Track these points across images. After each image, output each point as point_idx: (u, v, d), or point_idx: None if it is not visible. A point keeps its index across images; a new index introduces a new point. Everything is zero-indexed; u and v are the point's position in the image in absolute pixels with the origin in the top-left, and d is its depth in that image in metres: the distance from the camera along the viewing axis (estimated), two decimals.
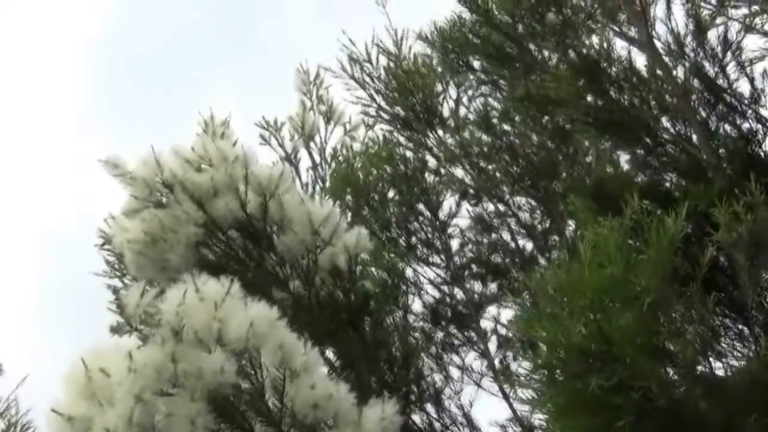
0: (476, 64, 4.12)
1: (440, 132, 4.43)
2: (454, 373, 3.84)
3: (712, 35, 3.19)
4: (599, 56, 3.23)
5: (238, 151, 2.51)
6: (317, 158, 3.99)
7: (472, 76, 4.25)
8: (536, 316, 2.17)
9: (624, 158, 3.58)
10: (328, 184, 3.86)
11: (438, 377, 3.71)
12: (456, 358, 3.88)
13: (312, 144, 3.91)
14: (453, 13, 3.92)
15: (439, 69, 4.43)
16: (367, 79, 4.44)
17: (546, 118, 4.20)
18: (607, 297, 2.14)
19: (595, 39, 3.43)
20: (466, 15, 3.91)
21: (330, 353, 2.93)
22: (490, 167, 4.30)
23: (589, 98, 3.43)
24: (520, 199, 4.35)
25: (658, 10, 3.28)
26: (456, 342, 3.89)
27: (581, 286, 2.15)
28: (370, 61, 4.45)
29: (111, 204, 2.66)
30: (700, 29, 3.19)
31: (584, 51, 3.31)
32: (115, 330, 2.92)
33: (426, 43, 4.30)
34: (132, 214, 2.49)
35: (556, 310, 2.14)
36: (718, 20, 3.18)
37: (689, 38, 3.23)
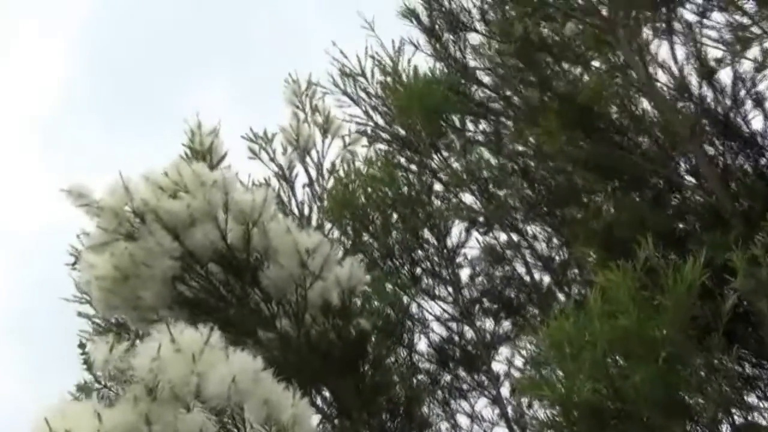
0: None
1: (445, 153, 4.40)
2: (463, 421, 3.77)
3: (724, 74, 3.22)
4: (594, 99, 3.21)
5: (217, 175, 2.46)
6: (314, 174, 3.95)
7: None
8: (541, 374, 2.11)
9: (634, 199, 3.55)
10: (325, 203, 3.81)
11: (445, 426, 3.64)
12: (465, 405, 3.81)
13: (308, 159, 3.87)
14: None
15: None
16: (362, 94, 4.43)
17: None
18: (620, 350, 2.10)
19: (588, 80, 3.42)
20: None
21: (322, 399, 2.87)
22: (501, 192, 4.26)
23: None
24: (536, 228, 4.31)
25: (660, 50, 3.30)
26: (465, 386, 3.82)
27: (591, 337, 2.12)
28: (364, 75, 4.43)
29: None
30: (706, 69, 3.20)
31: (576, 99, 3.28)
32: (83, 389, 2.86)
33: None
34: (100, 247, 2.43)
35: (565, 365, 2.08)
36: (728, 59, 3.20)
37: (694, 78, 3.25)
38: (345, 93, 4.33)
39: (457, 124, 4.07)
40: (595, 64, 3.46)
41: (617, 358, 2.12)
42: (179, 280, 2.54)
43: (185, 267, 2.52)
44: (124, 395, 1.88)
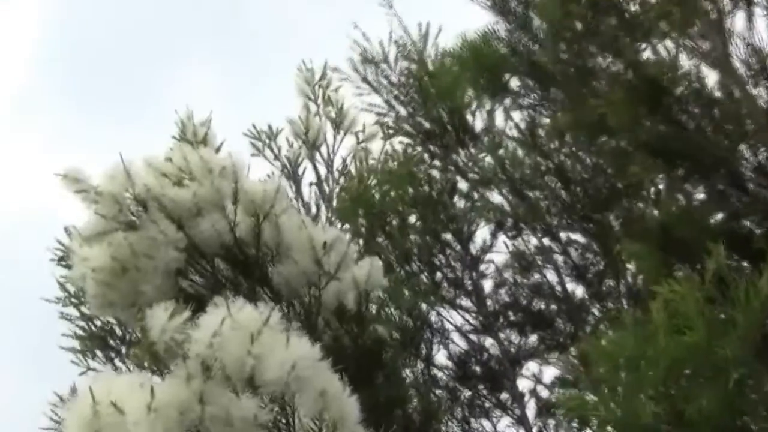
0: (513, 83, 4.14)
1: (473, 149, 4.43)
2: None
3: None
4: (662, 74, 3.21)
5: (226, 162, 2.51)
6: (323, 172, 3.99)
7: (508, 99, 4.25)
8: (593, 391, 2.13)
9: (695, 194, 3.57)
10: (335, 203, 3.85)
11: None
12: (486, 424, 3.84)
13: (317, 155, 3.91)
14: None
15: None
16: (384, 82, 4.46)
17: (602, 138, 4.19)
18: (684, 369, 2.10)
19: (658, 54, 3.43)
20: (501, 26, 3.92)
21: None
22: (533, 193, 4.29)
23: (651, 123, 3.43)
24: (571, 233, 4.34)
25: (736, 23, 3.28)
26: (487, 404, 3.85)
27: (654, 355, 2.12)
28: (387, 62, 4.46)
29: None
30: None
31: (645, 69, 3.29)
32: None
33: (454, 59, 4.31)
34: (97, 237, 2.48)
35: (621, 383, 2.10)
36: None
37: None
38: (365, 80, 4.36)
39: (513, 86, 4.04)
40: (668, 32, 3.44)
41: (680, 378, 2.12)
42: (182, 275, 2.58)
43: (189, 260, 2.57)
44: (176, 370, 1.91)
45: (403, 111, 4.47)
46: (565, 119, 3.92)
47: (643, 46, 3.52)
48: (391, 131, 4.43)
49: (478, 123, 4.47)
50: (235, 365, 1.91)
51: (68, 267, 3.12)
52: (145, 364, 2.09)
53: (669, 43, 3.42)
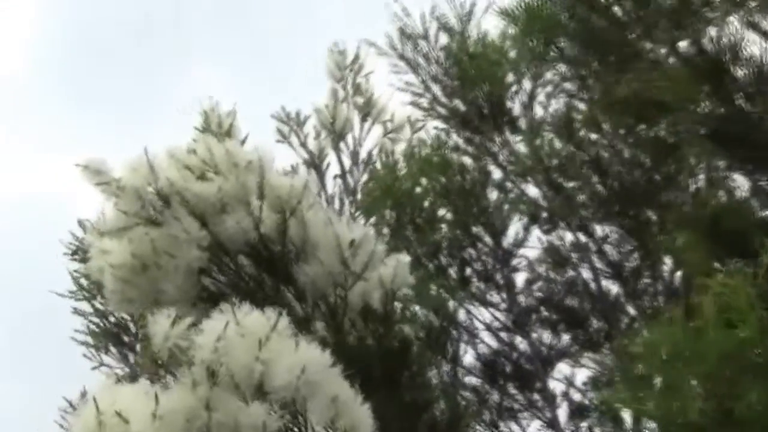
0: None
1: (509, 136, 4.38)
2: None
3: None
4: (722, 53, 3.14)
5: (252, 156, 2.48)
6: (347, 163, 3.95)
7: (553, 71, 4.18)
8: (641, 387, 2.11)
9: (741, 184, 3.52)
10: (359, 196, 3.82)
11: None
12: (515, 428, 3.82)
13: (342, 145, 3.87)
14: None
15: (513, 54, 4.37)
16: (422, 61, 4.41)
17: (642, 127, 4.14)
18: (734, 365, 2.08)
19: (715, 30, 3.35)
20: None
21: None
22: (570, 185, 4.24)
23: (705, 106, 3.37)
24: (606, 229, 4.29)
25: None
26: (516, 406, 3.82)
27: (703, 350, 2.11)
28: (426, 38, 4.41)
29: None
30: None
31: (706, 46, 3.22)
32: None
33: (507, 18, 4.24)
34: (118, 233, 2.47)
35: (671, 379, 2.08)
36: None
37: None
38: (402, 57, 4.31)
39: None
40: None
41: (730, 374, 2.10)
42: (205, 273, 2.57)
43: (212, 258, 2.55)
44: (181, 378, 1.91)
45: (439, 92, 4.43)
46: (619, 92, 3.85)
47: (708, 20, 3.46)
48: (424, 114, 4.38)
49: (516, 108, 4.42)
50: (243, 371, 1.91)
51: (83, 261, 3.12)
52: (150, 371, 2.09)
53: (734, 19, 3.36)
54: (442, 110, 4.42)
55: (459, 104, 4.43)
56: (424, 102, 4.41)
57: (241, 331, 1.93)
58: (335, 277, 2.60)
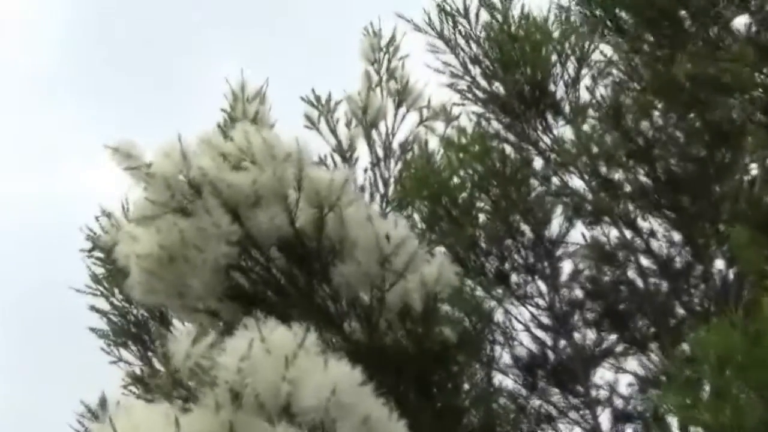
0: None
1: (552, 122, 4.35)
2: None
3: None
4: None
5: (292, 147, 2.46)
6: (380, 153, 3.91)
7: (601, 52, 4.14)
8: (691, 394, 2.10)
9: None
10: (392, 188, 3.78)
11: None
12: None
13: (374, 134, 3.83)
14: None
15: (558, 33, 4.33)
16: (461, 41, 4.37)
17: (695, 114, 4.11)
18: None
19: None
20: None
21: None
22: (616, 176, 4.21)
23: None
24: (653, 223, 4.25)
25: None
26: (555, 412, 3.81)
27: (759, 356, 2.09)
28: (467, 16, 4.36)
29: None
30: None
31: None
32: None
33: None
34: (146, 221, 2.46)
35: (723, 386, 2.06)
36: None
37: None
38: (441, 36, 4.27)
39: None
40: None
41: None
42: (234, 268, 2.56)
43: (243, 252, 2.54)
44: (203, 399, 1.88)
45: (478, 74, 4.39)
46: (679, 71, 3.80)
47: None
48: (462, 98, 4.35)
49: (561, 92, 4.38)
50: (269, 392, 1.87)
51: (100, 259, 3.12)
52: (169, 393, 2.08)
53: None
54: (481, 94, 4.38)
55: (499, 87, 4.39)
56: (463, 85, 4.38)
57: (267, 347, 1.88)
58: (372, 277, 2.58)
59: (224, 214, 2.44)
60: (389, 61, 3.80)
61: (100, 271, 3.30)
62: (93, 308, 3.25)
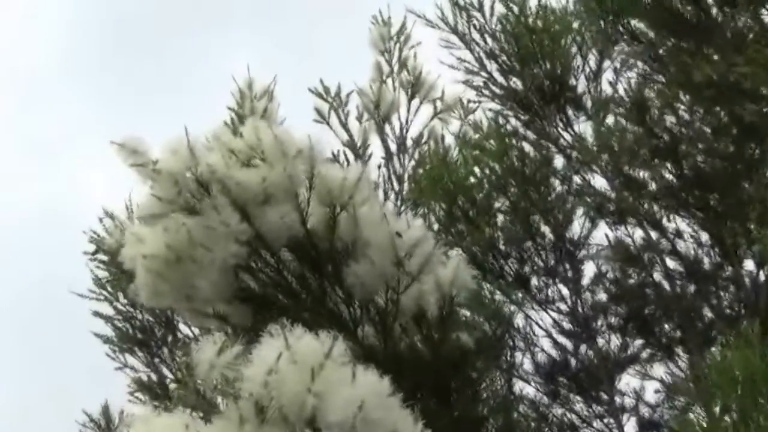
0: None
1: (573, 119, 4.35)
2: None
3: None
4: None
5: (303, 144, 2.47)
6: (393, 148, 3.92)
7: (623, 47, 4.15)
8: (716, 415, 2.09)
9: None
10: (406, 185, 3.79)
11: None
12: None
13: (387, 128, 3.83)
14: None
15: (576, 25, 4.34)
16: (476, 35, 4.37)
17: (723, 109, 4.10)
18: None
19: None
20: None
21: None
22: (640, 174, 4.20)
23: None
24: (680, 223, 4.25)
25: None
26: (578, 421, 3.81)
27: None
28: (481, 9, 4.37)
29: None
30: None
31: None
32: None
33: None
34: (152, 219, 2.48)
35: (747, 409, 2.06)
36: None
37: None
38: (454, 31, 4.27)
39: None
40: None
41: None
42: (243, 270, 2.57)
43: (252, 253, 2.55)
44: (226, 411, 1.89)
45: (495, 70, 4.39)
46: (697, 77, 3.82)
47: None
48: (478, 95, 4.35)
49: (582, 87, 4.38)
50: (294, 404, 1.88)
51: (103, 262, 3.14)
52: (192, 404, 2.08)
53: None
54: (498, 90, 4.39)
55: (517, 83, 4.39)
56: (478, 81, 4.39)
57: (293, 357, 1.89)
58: (387, 279, 2.60)
59: (233, 213, 2.46)
60: (400, 50, 3.80)
61: (102, 273, 3.31)
62: (96, 313, 3.26)
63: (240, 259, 2.51)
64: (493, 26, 4.38)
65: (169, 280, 2.56)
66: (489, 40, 4.37)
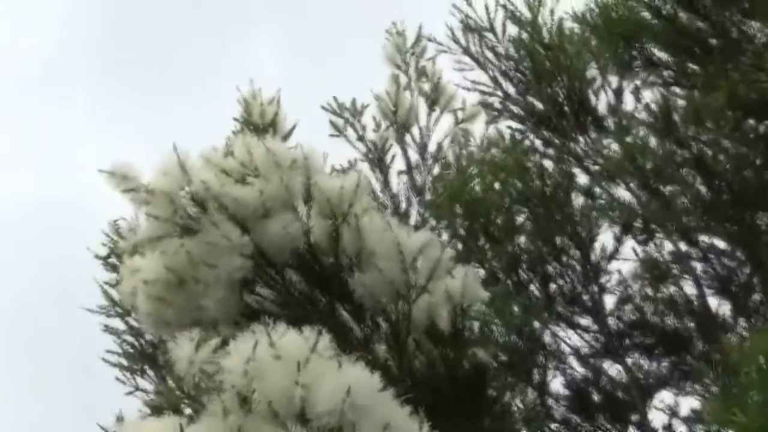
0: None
1: (594, 135, 4.32)
2: None
3: None
4: None
5: (297, 154, 2.46)
6: (414, 158, 3.89)
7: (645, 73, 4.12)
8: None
9: None
10: (428, 196, 3.75)
11: None
12: None
13: (408, 138, 3.80)
14: None
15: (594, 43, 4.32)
16: (490, 55, 4.36)
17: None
18: None
19: None
20: None
21: None
22: (668, 189, 4.14)
23: None
24: (711, 238, 4.18)
25: None
26: None
27: None
28: (493, 30, 4.36)
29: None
30: None
31: None
32: None
33: (581, 24, 4.20)
34: (150, 244, 2.46)
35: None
36: None
37: None
38: (467, 52, 4.27)
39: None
40: None
41: None
42: (248, 289, 2.55)
43: (257, 270, 2.53)
44: (210, 407, 1.90)
45: (511, 89, 4.38)
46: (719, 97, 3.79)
47: None
48: (496, 113, 4.34)
49: (603, 104, 4.36)
50: (282, 398, 1.89)
51: (114, 269, 3.13)
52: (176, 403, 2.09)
53: None
54: (515, 109, 4.37)
55: (535, 102, 4.38)
56: (494, 100, 4.38)
57: (277, 353, 1.91)
58: (397, 287, 2.56)
59: (233, 227, 2.44)
60: (417, 60, 3.78)
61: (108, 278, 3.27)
62: (106, 329, 3.23)
63: (245, 272, 2.47)
64: (507, 46, 4.38)
65: (172, 305, 2.54)
66: (503, 60, 4.37)
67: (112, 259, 3.25)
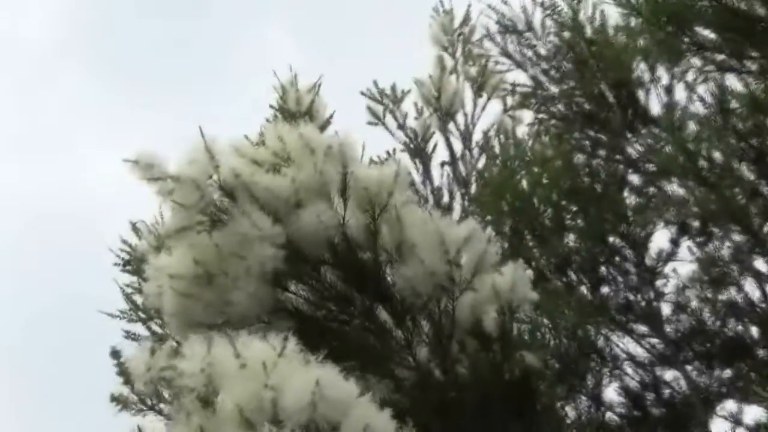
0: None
1: (644, 131, 4.20)
2: None
3: None
4: None
5: (332, 141, 2.35)
6: (458, 148, 3.76)
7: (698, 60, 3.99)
8: None
9: None
10: (473, 189, 3.62)
11: None
12: None
13: (451, 126, 3.67)
14: None
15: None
16: (529, 54, 4.26)
17: None
18: None
19: None
20: None
21: None
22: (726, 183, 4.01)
23: None
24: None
25: None
26: None
27: None
28: (531, 30, 4.26)
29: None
30: None
31: None
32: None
33: (623, 8, 4.09)
34: (176, 236, 2.36)
35: None
36: None
37: None
38: (505, 53, 4.15)
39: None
40: None
41: None
42: (280, 286, 2.44)
43: (289, 264, 2.41)
44: (174, 414, 1.96)
45: (554, 89, 4.27)
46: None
47: None
48: (537, 116, 4.24)
49: (653, 102, 4.24)
50: (251, 402, 1.91)
51: (135, 272, 3.04)
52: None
53: None
54: (560, 107, 4.26)
55: (581, 101, 4.27)
56: (536, 100, 4.27)
57: (242, 362, 1.93)
58: (439, 279, 2.43)
59: (263, 216, 2.33)
60: (465, 43, 3.66)
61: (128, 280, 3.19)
62: (128, 335, 3.14)
63: (278, 263, 2.36)
64: (546, 44, 4.28)
65: (201, 301, 2.44)
66: (543, 60, 4.27)
67: (129, 264, 3.15)
